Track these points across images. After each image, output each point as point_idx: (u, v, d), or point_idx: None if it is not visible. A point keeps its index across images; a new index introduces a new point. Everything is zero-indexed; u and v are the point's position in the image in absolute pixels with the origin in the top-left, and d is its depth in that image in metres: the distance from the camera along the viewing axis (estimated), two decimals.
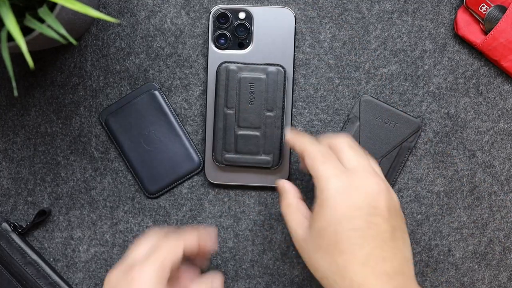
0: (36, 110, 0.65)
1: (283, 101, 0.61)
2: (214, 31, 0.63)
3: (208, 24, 0.63)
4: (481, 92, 0.64)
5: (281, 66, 0.61)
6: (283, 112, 0.62)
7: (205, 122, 0.64)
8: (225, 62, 0.62)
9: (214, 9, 0.63)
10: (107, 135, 0.65)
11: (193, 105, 0.65)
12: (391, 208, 0.51)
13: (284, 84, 0.61)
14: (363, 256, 0.48)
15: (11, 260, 0.63)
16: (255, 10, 0.63)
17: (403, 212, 0.65)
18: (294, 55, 0.63)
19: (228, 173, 0.64)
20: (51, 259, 0.66)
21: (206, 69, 0.65)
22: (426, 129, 0.64)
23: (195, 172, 0.65)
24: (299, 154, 0.55)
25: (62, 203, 0.65)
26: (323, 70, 0.64)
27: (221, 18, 0.63)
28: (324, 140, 0.55)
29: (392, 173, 0.64)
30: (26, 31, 0.50)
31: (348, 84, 0.64)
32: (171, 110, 0.64)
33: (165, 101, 0.64)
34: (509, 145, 0.64)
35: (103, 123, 0.64)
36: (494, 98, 0.64)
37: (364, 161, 0.53)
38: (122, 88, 0.65)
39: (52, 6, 0.50)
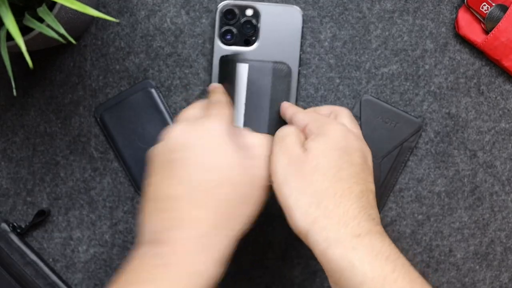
0: (35, 110, 0.65)
1: (287, 99, 0.61)
2: (220, 27, 0.62)
3: (215, 19, 0.63)
4: (482, 92, 0.64)
5: (286, 64, 0.61)
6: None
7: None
8: (227, 57, 0.62)
9: (221, 5, 0.62)
10: (101, 131, 0.64)
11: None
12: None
13: (289, 81, 0.61)
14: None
15: (10, 261, 0.63)
16: (262, 7, 0.63)
17: (404, 213, 0.65)
18: (300, 54, 0.63)
19: None
20: (50, 260, 0.65)
21: (206, 69, 0.64)
22: (427, 129, 0.64)
23: None
24: (288, 121, 0.56)
25: (61, 203, 0.65)
26: (324, 70, 0.64)
27: (228, 14, 0.62)
28: (324, 109, 0.56)
29: (392, 173, 0.64)
30: (25, 30, 0.50)
31: (349, 84, 0.64)
32: (167, 109, 0.64)
33: (160, 99, 0.64)
34: (510, 145, 0.64)
35: (98, 119, 0.64)
36: (495, 97, 0.64)
37: (358, 129, 0.54)
38: (122, 88, 0.65)
39: (51, 6, 0.50)
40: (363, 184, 0.49)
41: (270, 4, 0.63)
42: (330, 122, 0.52)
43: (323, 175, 0.49)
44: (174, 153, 0.50)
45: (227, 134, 0.50)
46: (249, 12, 0.63)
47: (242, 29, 0.63)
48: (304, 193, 0.48)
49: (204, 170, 0.49)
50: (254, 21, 0.63)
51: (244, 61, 0.60)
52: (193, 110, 0.54)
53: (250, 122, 0.60)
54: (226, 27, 0.62)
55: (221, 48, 0.63)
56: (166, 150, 0.50)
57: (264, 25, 0.63)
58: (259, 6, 0.63)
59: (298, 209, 0.48)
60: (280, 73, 0.60)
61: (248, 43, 0.63)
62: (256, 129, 0.57)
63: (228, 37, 0.63)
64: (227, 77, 0.60)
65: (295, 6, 0.63)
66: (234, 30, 0.62)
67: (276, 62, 0.60)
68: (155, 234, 0.47)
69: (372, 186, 0.51)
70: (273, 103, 0.60)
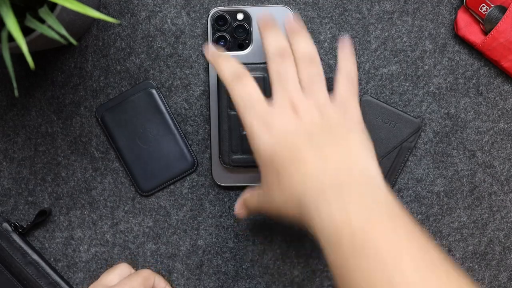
0: (36, 110, 0.65)
1: None
2: (213, 34, 0.63)
3: (207, 26, 0.63)
4: (481, 92, 0.64)
5: None
6: None
7: (209, 125, 0.64)
8: None
9: (212, 12, 0.63)
10: (102, 131, 0.65)
11: (193, 105, 0.65)
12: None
13: None
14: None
15: (11, 260, 0.63)
16: (252, 10, 0.63)
17: None
18: None
19: (236, 174, 0.64)
20: (52, 259, 0.66)
21: (207, 70, 0.65)
22: (426, 129, 0.65)
23: (188, 172, 0.65)
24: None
25: (62, 203, 0.65)
26: (324, 70, 0.64)
27: (220, 20, 0.63)
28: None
29: (392, 173, 0.64)
30: (26, 31, 0.50)
31: None
32: (168, 109, 0.64)
33: (161, 99, 0.64)
34: (509, 145, 0.64)
35: (99, 119, 0.64)
36: (494, 98, 0.64)
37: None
38: (123, 88, 0.65)
39: (53, 7, 0.50)
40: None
41: (260, 6, 0.63)
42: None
43: None
44: None
45: None
46: (240, 16, 0.63)
47: (235, 33, 0.63)
48: None
49: None
50: (245, 25, 0.63)
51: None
52: (110, 277, 0.60)
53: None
54: (219, 33, 0.63)
55: None
56: None
57: (256, 28, 0.63)
58: (249, 9, 0.63)
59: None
60: None
61: (241, 47, 0.63)
62: None
63: (222, 43, 0.63)
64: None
65: (284, 6, 0.63)
66: (227, 35, 0.63)
67: None
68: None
69: None
70: None
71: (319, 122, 0.51)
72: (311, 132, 0.51)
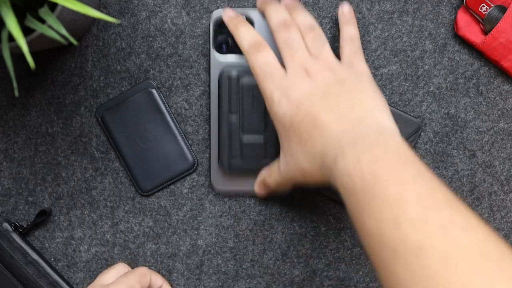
0: (36, 110, 0.65)
1: None
2: (215, 37, 0.63)
3: (209, 30, 0.63)
4: (481, 92, 0.64)
5: None
6: None
7: (209, 129, 0.64)
8: (226, 67, 0.62)
9: (214, 15, 0.62)
10: (102, 131, 0.65)
11: (193, 105, 0.65)
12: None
13: None
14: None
15: (12, 260, 0.63)
16: (255, 14, 0.63)
17: None
18: None
19: (235, 180, 0.64)
20: (52, 259, 0.66)
21: (207, 70, 0.65)
22: (426, 129, 0.65)
23: (188, 172, 0.65)
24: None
25: (62, 203, 0.66)
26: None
27: (222, 24, 0.62)
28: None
29: None
30: (27, 31, 0.50)
31: None
32: (168, 109, 0.64)
33: (162, 99, 0.64)
34: (509, 145, 0.64)
35: (99, 119, 0.64)
36: (494, 98, 0.64)
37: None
38: (123, 88, 0.65)
39: (53, 7, 0.50)
40: None
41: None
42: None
43: None
44: None
45: None
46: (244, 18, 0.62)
47: None
48: None
49: None
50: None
51: (244, 74, 0.61)
52: (107, 276, 0.61)
53: (251, 130, 0.62)
54: (221, 37, 0.63)
55: (217, 58, 0.63)
56: None
57: (258, 31, 0.61)
58: (252, 12, 0.63)
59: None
60: None
61: None
62: (257, 134, 0.62)
63: (224, 47, 0.63)
64: (227, 89, 0.62)
65: None
66: (229, 39, 0.63)
67: None
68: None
69: None
70: None
71: (331, 81, 0.55)
72: (325, 92, 0.54)
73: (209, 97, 0.64)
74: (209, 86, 0.63)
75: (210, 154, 0.64)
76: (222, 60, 0.63)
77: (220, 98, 0.62)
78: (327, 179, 0.52)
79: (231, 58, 0.63)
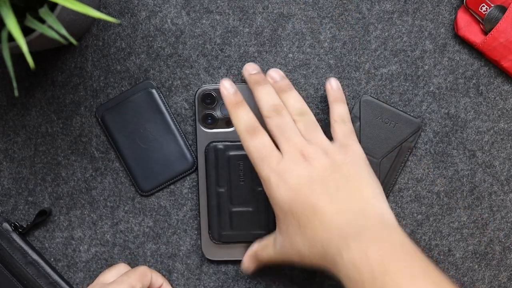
0: (36, 110, 0.65)
1: None
2: (200, 112, 0.63)
3: (194, 105, 0.63)
4: (481, 92, 0.64)
5: None
6: None
7: (198, 200, 0.64)
8: (213, 141, 0.63)
9: (199, 90, 0.63)
10: (102, 131, 0.65)
11: (193, 105, 0.65)
12: None
13: None
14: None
15: (11, 260, 0.63)
16: (240, 87, 0.62)
17: (403, 213, 0.65)
18: None
19: (226, 249, 0.64)
20: (52, 259, 0.66)
21: (207, 70, 0.65)
22: (426, 129, 0.65)
23: (188, 172, 0.65)
24: None
25: (62, 203, 0.65)
26: (324, 70, 0.64)
27: (207, 99, 0.63)
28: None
29: (392, 173, 0.64)
30: (26, 31, 0.50)
31: (348, 84, 0.64)
32: (168, 109, 0.64)
33: (161, 99, 0.64)
34: (509, 145, 0.64)
35: (99, 119, 0.64)
36: (494, 98, 0.64)
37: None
38: (123, 88, 0.65)
39: (53, 6, 0.50)
40: None
41: (246, 83, 0.62)
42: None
43: None
44: None
45: None
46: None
47: (222, 111, 0.63)
48: None
49: None
50: None
51: (231, 147, 0.62)
52: (108, 275, 0.61)
53: (240, 202, 0.63)
54: (206, 111, 0.63)
55: (204, 131, 0.63)
56: None
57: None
58: (237, 86, 0.61)
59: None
60: None
61: (229, 124, 0.63)
62: (246, 206, 0.63)
63: (209, 120, 0.63)
64: (214, 163, 0.62)
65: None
66: (214, 113, 0.63)
67: None
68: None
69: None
70: (260, 181, 0.58)
71: (328, 166, 0.55)
72: (323, 178, 0.54)
73: (197, 169, 0.64)
74: (196, 158, 0.64)
75: (200, 224, 0.64)
76: (208, 134, 0.63)
77: (208, 171, 0.62)
78: (328, 267, 0.53)
79: (217, 131, 0.63)
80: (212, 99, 0.63)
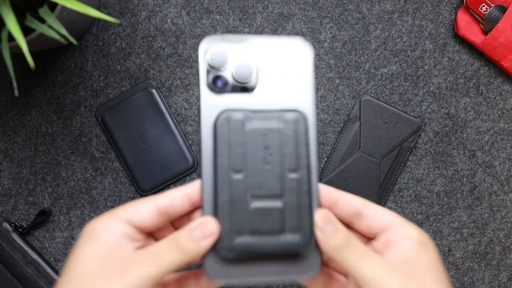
0: (36, 110, 0.65)
1: (308, 157, 0.43)
2: (208, 73, 0.44)
3: (197, 62, 0.55)
4: (481, 92, 0.64)
5: (299, 110, 0.43)
6: (309, 172, 0.43)
7: (202, 195, 0.42)
8: (227, 110, 0.43)
9: (205, 44, 0.44)
10: (102, 131, 0.65)
11: (193, 105, 0.65)
12: None
13: (307, 135, 0.43)
14: None
15: (12, 260, 0.63)
16: (261, 42, 0.45)
17: (403, 212, 0.65)
18: (315, 97, 0.49)
19: (241, 267, 0.42)
20: (52, 259, 0.66)
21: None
22: (426, 129, 0.65)
23: (188, 172, 0.65)
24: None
25: (62, 203, 0.65)
26: (324, 70, 0.64)
27: (218, 56, 0.45)
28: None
29: (392, 173, 0.64)
30: (26, 31, 0.50)
31: (349, 84, 0.64)
32: (168, 109, 0.64)
33: (162, 99, 0.64)
34: (509, 145, 0.64)
35: (99, 119, 0.64)
36: (494, 98, 0.64)
37: None
38: (123, 88, 0.65)
39: (53, 6, 0.50)
40: None
41: (270, 37, 0.46)
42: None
43: None
44: None
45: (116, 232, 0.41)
46: (244, 49, 0.45)
47: (237, 73, 0.44)
48: None
49: None
50: (251, 61, 0.45)
51: (247, 115, 0.43)
52: None
53: (264, 193, 0.43)
54: (215, 72, 0.44)
55: (211, 97, 0.44)
56: None
57: (265, 64, 0.45)
58: (257, 40, 0.45)
59: None
60: (294, 124, 0.43)
61: (246, 90, 0.45)
62: (272, 200, 0.43)
63: (220, 83, 0.44)
64: (228, 139, 0.43)
65: (300, 38, 0.46)
66: (225, 76, 0.44)
67: (285, 111, 0.43)
68: None
69: None
70: (293, 164, 0.43)
71: None
72: None
73: (199, 152, 0.48)
74: (200, 137, 0.45)
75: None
76: (218, 102, 0.44)
77: (218, 151, 0.43)
78: None
79: (230, 98, 0.44)
80: (224, 56, 0.45)
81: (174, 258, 0.39)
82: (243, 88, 0.45)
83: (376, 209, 0.41)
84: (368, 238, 0.43)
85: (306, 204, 0.43)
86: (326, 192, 0.43)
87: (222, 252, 0.42)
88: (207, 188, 0.43)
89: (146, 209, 0.41)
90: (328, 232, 0.41)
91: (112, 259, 0.38)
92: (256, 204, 0.43)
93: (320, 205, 0.43)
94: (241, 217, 0.42)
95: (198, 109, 0.49)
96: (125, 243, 0.39)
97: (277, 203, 0.43)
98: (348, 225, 0.43)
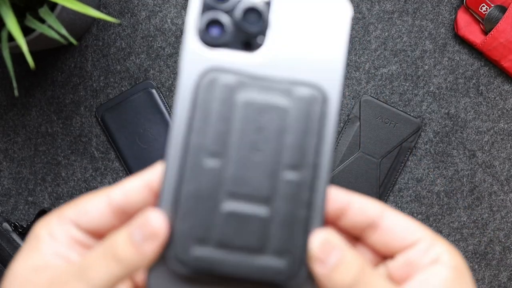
0: (36, 110, 0.65)
1: (318, 154, 0.30)
2: (201, 13, 0.31)
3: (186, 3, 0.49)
4: (481, 92, 0.64)
5: (318, 87, 0.31)
6: (315, 174, 0.30)
7: (164, 180, 0.30)
8: (215, 69, 0.31)
9: None
10: (102, 131, 0.65)
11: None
12: None
13: (323, 122, 0.31)
14: None
15: (11, 260, 0.63)
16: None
17: (403, 212, 0.65)
18: (345, 71, 0.37)
19: (193, 286, 0.30)
20: None
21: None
22: (426, 129, 0.65)
23: None
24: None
25: (62, 203, 0.65)
26: None
27: None
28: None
29: (392, 173, 0.64)
30: (26, 31, 0.50)
31: (348, 84, 0.64)
32: (168, 109, 0.64)
33: (161, 99, 0.64)
34: (509, 145, 0.64)
35: (99, 119, 0.64)
36: (494, 98, 0.64)
37: None
38: (123, 88, 0.65)
39: (53, 6, 0.50)
40: None
41: None
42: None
43: None
44: None
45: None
46: None
47: (241, 21, 0.31)
48: None
49: None
50: (261, 8, 0.31)
51: (241, 80, 0.31)
52: None
53: (246, 192, 0.30)
54: (212, 15, 0.31)
55: (199, 49, 0.31)
56: None
57: (279, 17, 0.32)
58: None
59: None
60: (306, 103, 0.30)
61: (249, 46, 0.31)
62: (255, 203, 0.30)
63: (215, 31, 0.31)
64: (209, 109, 0.30)
65: None
66: (226, 21, 0.31)
67: (300, 84, 0.31)
68: None
69: None
70: (294, 159, 0.30)
71: None
72: None
73: (170, 125, 0.42)
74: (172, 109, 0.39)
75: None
76: (207, 57, 0.31)
77: (193, 124, 0.30)
78: None
79: (226, 54, 0.31)
80: None
81: (108, 273, 0.28)
82: (246, 43, 0.32)
83: (396, 219, 0.31)
84: (381, 255, 0.32)
85: (303, 218, 0.30)
86: (333, 196, 0.31)
87: (172, 263, 0.29)
88: (170, 173, 0.31)
89: (95, 208, 0.31)
90: (331, 264, 0.28)
91: (44, 276, 0.29)
92: (231, 205, 0.30)
93: (325, 222, 0.31)
94: (207, 219, 0.30)
95: (179, 66, 0.37)
96: (70, 253, 0.30)
97: (261, 210, 0.30)
98: (356, 237, 0.32)
